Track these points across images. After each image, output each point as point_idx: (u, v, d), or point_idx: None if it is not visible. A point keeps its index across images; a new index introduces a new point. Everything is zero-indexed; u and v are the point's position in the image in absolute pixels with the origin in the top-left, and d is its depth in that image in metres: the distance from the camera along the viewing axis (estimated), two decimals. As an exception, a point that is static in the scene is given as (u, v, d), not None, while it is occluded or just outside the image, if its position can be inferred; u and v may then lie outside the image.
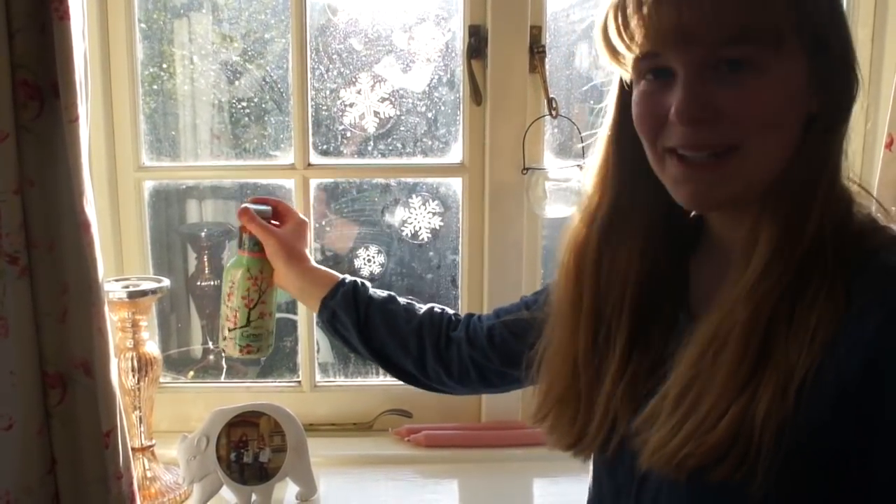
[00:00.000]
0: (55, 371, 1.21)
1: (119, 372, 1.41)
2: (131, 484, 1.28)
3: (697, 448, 0.78)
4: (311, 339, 1.75)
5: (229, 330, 1.47)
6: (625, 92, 0.89)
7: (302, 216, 1.34)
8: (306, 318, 1.73)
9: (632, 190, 0.92)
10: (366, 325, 1.24)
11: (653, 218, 0.92)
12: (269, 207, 1.32)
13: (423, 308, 1.26)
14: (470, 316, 1.25)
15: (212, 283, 1.93)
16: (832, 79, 0.80)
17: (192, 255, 1.95)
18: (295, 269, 1.29)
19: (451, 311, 1.27)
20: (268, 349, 1.44)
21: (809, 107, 0.80)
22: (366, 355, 1.26)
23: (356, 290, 1.26)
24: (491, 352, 1.19)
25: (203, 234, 1.92)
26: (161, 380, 1.74)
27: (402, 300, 1.27)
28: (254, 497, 1.38)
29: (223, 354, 1.60)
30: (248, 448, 1.38)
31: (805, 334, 0.76)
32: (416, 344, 1.23)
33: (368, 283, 1.29)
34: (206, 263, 1.93)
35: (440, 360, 1.22)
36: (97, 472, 1.23)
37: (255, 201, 1.33)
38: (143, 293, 1.41)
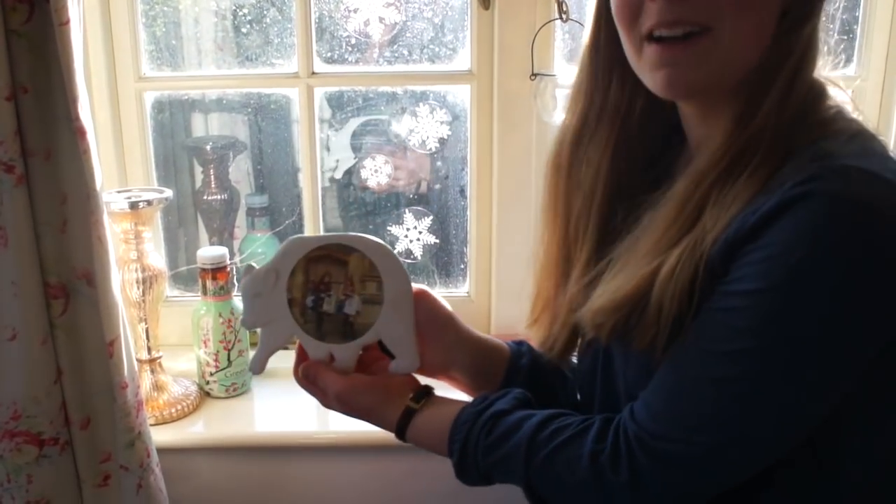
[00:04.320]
0: (57, 281, 1.20)
1: (123, 283, 1.41)
2: (137, 394, 1.29)
3: (606, 304, 0.85)
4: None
5: (211, 374, 1.56)
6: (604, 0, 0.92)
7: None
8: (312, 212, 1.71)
9: (602, 100, 0.96)
10: None
11: (625, 127, 0.96)
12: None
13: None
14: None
15: (219, 197, 1.90)
16: None
17: (198, 170, 1.93)
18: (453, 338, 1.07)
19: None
20: (251, 379, 1.54)
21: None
22: None
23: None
24: None
25: (209, 147, 1.89)
26: (169, 294, 1.75)
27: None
28: (335, 357, 1.02)
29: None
30: (332, 293, 1.01)
31: (722, 210, 0.79)
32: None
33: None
34: (213, 177, 1.90)
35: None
36: (102, 381, 1.24)
37: None
38: (145, 203, 1.39)
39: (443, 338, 1.05)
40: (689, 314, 0.80)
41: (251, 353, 1.13)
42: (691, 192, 0.84)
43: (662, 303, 0.80)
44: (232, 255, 1.69)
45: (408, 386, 1.02)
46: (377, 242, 1.00)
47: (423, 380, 1.05)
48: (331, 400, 1.01)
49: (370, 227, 1.84)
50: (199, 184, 1.91)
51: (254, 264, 1.02)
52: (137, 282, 1.43)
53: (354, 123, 1.83)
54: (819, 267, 0.73)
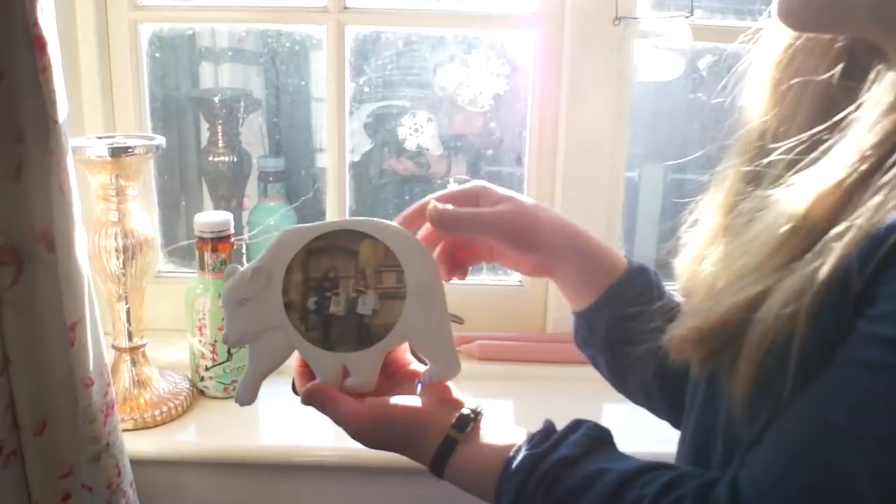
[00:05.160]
0: (6, 243, 0.93)
1: (100, 251, 1.15)
2: (106, 394, 1.03)
3: (689, 332, 0.69)
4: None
5: (207, 368, 1.31)
6: None
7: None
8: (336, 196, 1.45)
9: None
10: None
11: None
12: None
13: None
14: None
15: (226, 159, 1.68)
16: None
17: (204, 126, 1.70)
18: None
19: None
20: None
21: None
22: None
23: None
24: None
25: (217, 100, 1.66)
26: (162, 268, 1.49)
27: None
28: (349, 370, 0.83)
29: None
30: (340, 290, 0.82)
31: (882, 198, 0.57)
32: None
33: None
34: (221, 135, 1.67)
35: None
36: (62, 375, 0.98)
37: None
38: (130, 150, 1.12)
39: (553, 238, 0.87)
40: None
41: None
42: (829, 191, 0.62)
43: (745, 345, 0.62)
44: (240, 227, 1.45)
45: (450, 407, 0.79)
46: (391, 224, 0.83)
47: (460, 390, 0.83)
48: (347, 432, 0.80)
49: (406, 197, 1.61)
50: (204, 143, 1.69)
51: (238, 265, 0.81)
52: (117, 250, 1.16)
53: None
54: None
